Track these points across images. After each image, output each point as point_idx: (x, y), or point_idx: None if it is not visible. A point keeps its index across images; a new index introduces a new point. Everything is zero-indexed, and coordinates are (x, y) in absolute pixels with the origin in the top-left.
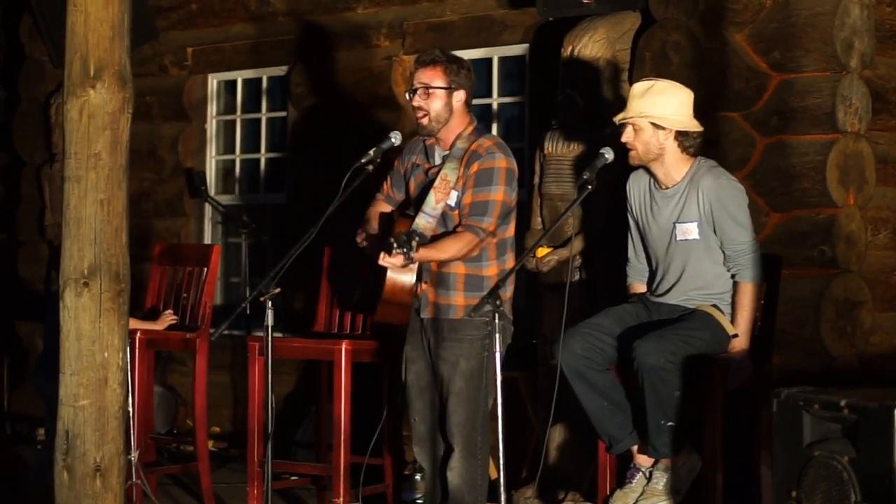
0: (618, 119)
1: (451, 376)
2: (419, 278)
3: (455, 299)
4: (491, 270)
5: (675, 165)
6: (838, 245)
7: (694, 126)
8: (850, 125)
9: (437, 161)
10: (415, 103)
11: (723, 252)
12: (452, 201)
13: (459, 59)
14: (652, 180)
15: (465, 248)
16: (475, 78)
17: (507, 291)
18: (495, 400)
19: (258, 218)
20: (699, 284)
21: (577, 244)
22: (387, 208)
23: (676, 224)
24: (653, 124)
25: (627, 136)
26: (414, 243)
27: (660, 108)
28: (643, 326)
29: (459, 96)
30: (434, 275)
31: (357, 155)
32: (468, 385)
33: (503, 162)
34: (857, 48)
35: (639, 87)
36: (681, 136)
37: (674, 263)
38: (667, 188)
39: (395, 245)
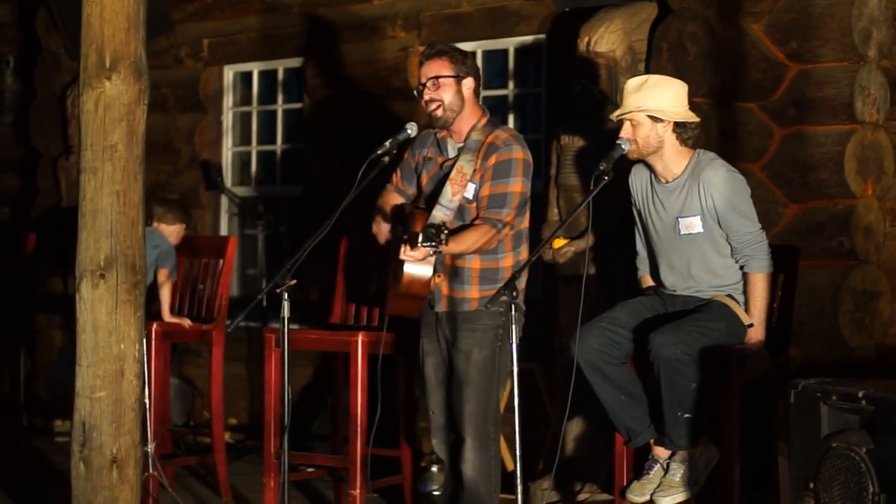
0: (615, 115)
1: (465, 366)
2: (433, 271)
3: (470, 293)
4: (507, 262)
5: (674, 158)
6: (856, 236)
7: (691, 117)
8: (868, 115)
9: (451, 154)
10: (426, 97)
11: (729, 244)
12: (469, 194)
13: (462, 50)
14: (652, 174)
15: (484, 240)
16: (489, 70)
17: (521, 283)
18: (512, 391)
19: (274, 209)
20: (708, 277)
21: (593, 236)
22: (398, 199)
23: (679, 218)
24: (651, 117)
25: (626, 132)
26: (443, 236)
27: (656, 101)
28: (659, 318)
29: (468, 83)
30: (448, 268)
31: (373, 146)
32: (481, 375)
33: (521, 154)
34: (875, 38)
35: (633, 82)
36: (679, 127)
37: (679, 257)
38: (667, 182)
39: (421, 239)
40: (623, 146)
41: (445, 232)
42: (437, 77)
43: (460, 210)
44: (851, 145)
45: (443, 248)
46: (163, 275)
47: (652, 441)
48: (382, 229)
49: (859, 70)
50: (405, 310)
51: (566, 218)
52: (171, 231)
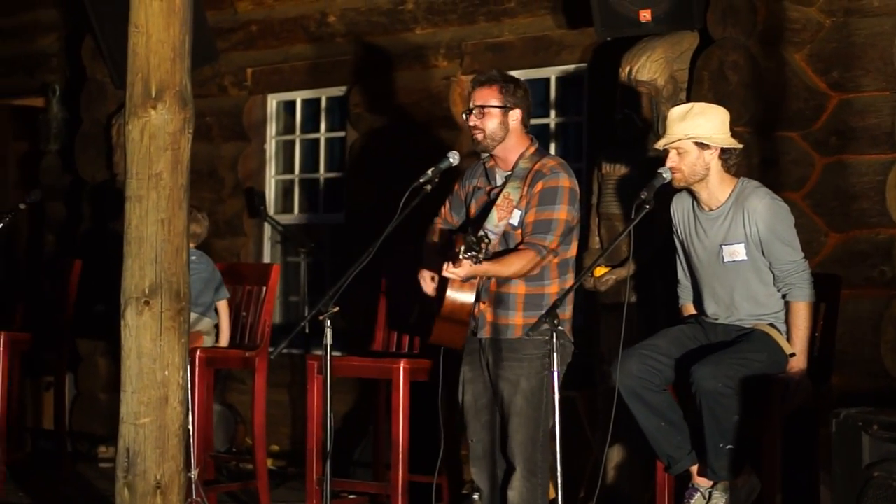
0: (661, 144)
1: (512, 396)
2: (477, 298)
3: (514, 319)
4: (552, 289)
5: (718, 186)
6: None
7: (734, 143)
8: None
9: (499, 182)
10: (471, 122)
11: (772, 272)
12: (515, 220)
13: (515, 80)
14: (695, 202)
15: (528, 265)
16: (532, 99)
17: (566, 311)
18: (553, 420)
19: (317, 237)
20: (750, 305)
21: (635, 264)
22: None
23: (723, 246)
24: (698, 144)
25: (672, 161)
26: (484, 245)
27: (703, 128)
28: (702, 349)
29: (515, 115)
30: (493, 295)
31: (415, 175)
32: (529, 405)
33: (567, 181)
34: None
35: (677, 110)
36: (724, 154)
37: (722, 285)
38: (711, 210)
39: (462, 251)
40: (665, 175)
41: (486, 241)
42: (483, 106)
43: (505, 236)
44: (893, 174)
45: (484, 263)
46: (223, 305)
47: (693, 469)
48: (426, 278)
49: None
50: (448, 337)
51: (607, 246)
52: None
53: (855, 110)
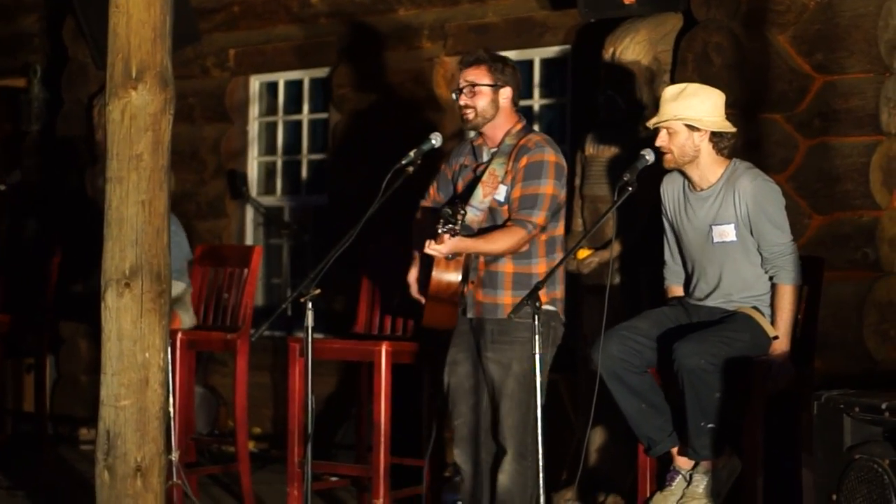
0: (651, 123)
1: (504, 379)
2: (465, 278)
3: (503, 298)
4: (540, 268)
5: (710, 167)
6: (881, 248)
7: (727, 127)
8: (894, 127)
9: (485, 159)
10: (461, 101)
11: (760, 254)
12: (501, 196)
13: (504, 58)
14: (686, 182)
15: (515, 242)
16: (520, 77)
17: (558, 290)
18: (535, 402)
19: (299, 219)
20: (738, 286)
21: (618, 246)
22: None
23: (713, 226)
24: (687, 126)
25: (662, 140)
26: (459, 217)
27: (693, 110)
28: (683, 329)
29: (506, 93)
30: (481, 274)
31: (398, 156)
32: (520, 387)
33: (552, 156)
34: None
35: (671, 90)
36: (715, 137)
37: (711, 266)
38: (702, 190)
39: (441, 224)
40: (647, 157)
41: (462, 212)
42: (474, 84)
43: (493, 214)
44: (877, 157)
45: (469, 240)
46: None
47: (675, 451)
48: (412, 279)
49: (885, 81)
50: (438, 319)
51: (590, 228)
52: None
53: (839, 92)
